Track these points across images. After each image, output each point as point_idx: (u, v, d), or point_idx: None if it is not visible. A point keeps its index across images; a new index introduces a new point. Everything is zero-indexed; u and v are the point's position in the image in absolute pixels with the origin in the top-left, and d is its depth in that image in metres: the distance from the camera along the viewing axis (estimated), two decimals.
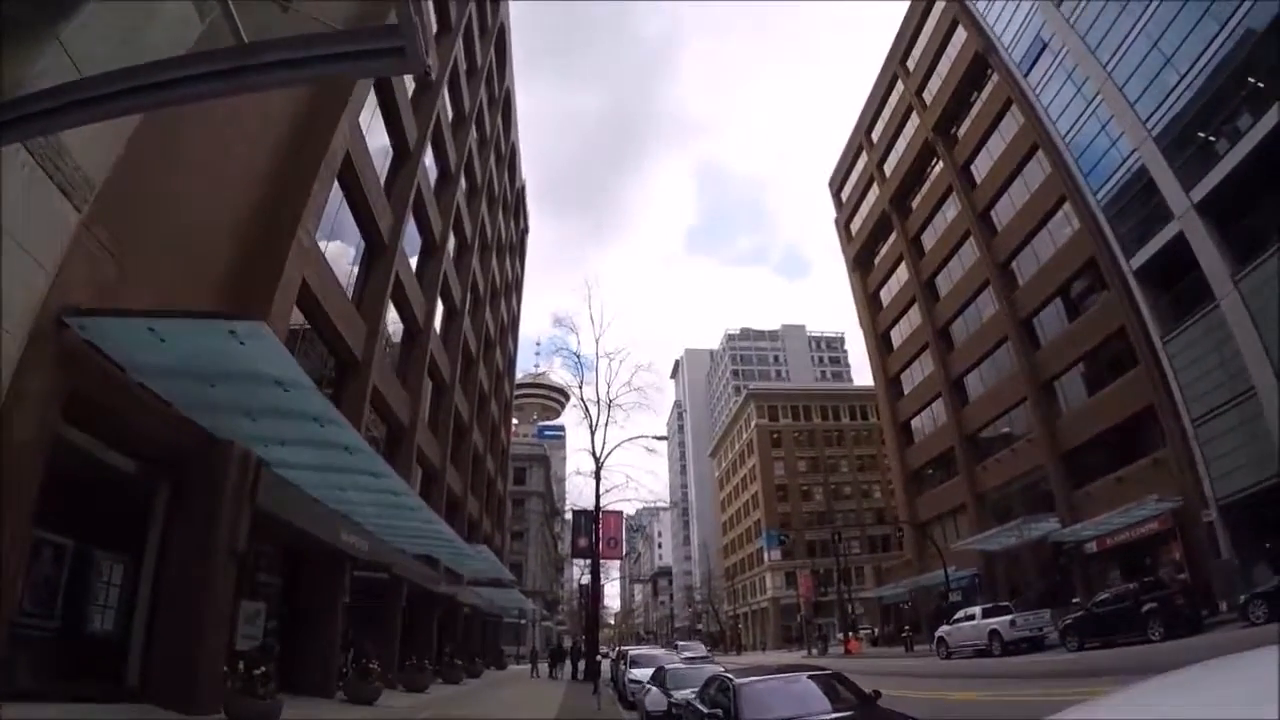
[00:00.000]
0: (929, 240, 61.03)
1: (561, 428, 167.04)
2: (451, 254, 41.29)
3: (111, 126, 10.50)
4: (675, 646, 47.68)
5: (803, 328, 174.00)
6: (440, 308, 39.15)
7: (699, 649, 43.66)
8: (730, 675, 11.54)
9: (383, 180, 28.13)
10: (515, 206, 69.42)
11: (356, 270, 26.71)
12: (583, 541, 40.57)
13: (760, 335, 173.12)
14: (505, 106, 58.76)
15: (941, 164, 57.40)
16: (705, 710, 11.08)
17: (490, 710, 24.24)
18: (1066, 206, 42.17)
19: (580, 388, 42.62)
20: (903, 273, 65.16)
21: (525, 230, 78.64)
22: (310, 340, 22.55)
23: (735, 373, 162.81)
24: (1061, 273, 43.44)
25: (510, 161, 63.46)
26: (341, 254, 25.00)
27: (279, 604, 21.38)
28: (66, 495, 12.18)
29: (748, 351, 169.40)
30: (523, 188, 74.05)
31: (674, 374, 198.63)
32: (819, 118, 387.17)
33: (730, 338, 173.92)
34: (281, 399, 11.77)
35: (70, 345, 10.42)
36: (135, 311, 10.63)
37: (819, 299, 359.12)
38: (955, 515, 56.57)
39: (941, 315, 58.39)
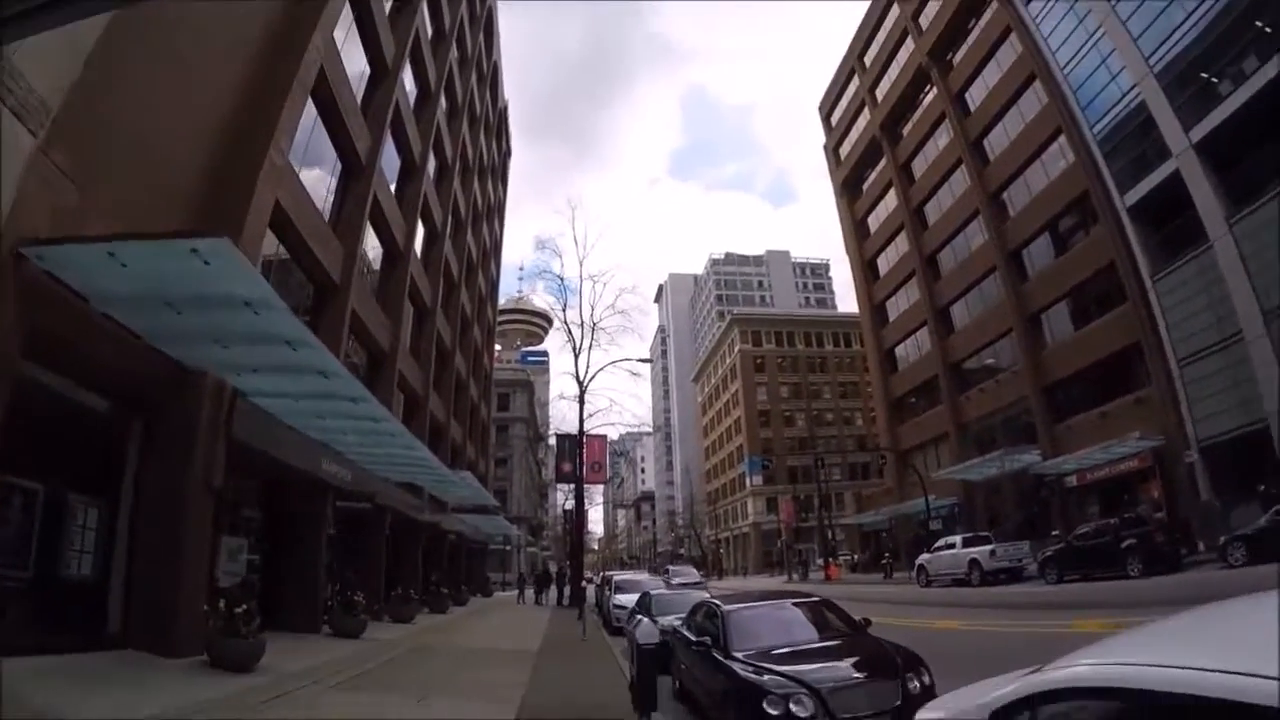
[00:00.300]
0: (919, 167, 60.38)
1: (545, 353, 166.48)
2: (432, 175, 40.50)
3: (67, 46, 10.27)
4: (666, 571, 47.29)
5: (787, 254, 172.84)
6: (421, 230, 38.58)
7: (691, 574, 43.50)
8: (718, 602, 11.38)
9: (360, 99, 27.46)
10: (498, 127, 68.19)
11: (333, 192, 26.06)
12: (566, 466, 40.10)
13: (745, 260, 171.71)
14: (487, 24, 57.47)
15: (935, 91, 56.46)
16: (693, 638, 10.75)
17: (475, 638, 24.24)
18: (1061, 139, 41.68)
19: (564, 311, 41.90)
20: (891, 199, 64.64)
21: (508, 153, 77.36)
22: (289, 270, 22.11)
23: (719, 298, 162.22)
24: (1053, 205, 43.11)
25: (492, 81, 62.29)
26: (317, 176, 24.34)
27: (261, 539, 21.07)
28: (36, 439, 11.87)
29: (732, 277, 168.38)
30: (505, 109, 72.76)
31: (658, 298, 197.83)
32: (809, 42, 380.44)
33: (715, 263, 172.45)
34: (252, 322, 11.29)
35: (29, 278, 9.96)
36: (94, 237, 10.15)
37: (805, 226, 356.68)
38: (937, 444, 57.02)
39: (929, 243, 58.04)
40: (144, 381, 13.75)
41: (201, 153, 15.82)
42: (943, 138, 56.17)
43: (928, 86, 58.06)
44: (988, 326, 49.91)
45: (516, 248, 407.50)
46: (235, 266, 9.75)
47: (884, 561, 53.69)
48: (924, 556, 38.15)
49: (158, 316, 11.61)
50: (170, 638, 13.20)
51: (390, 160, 32.55)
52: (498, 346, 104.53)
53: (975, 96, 51.64)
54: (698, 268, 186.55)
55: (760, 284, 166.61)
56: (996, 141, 49.15)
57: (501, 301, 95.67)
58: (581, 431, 37.97)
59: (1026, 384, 44.48)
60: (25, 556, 11.81)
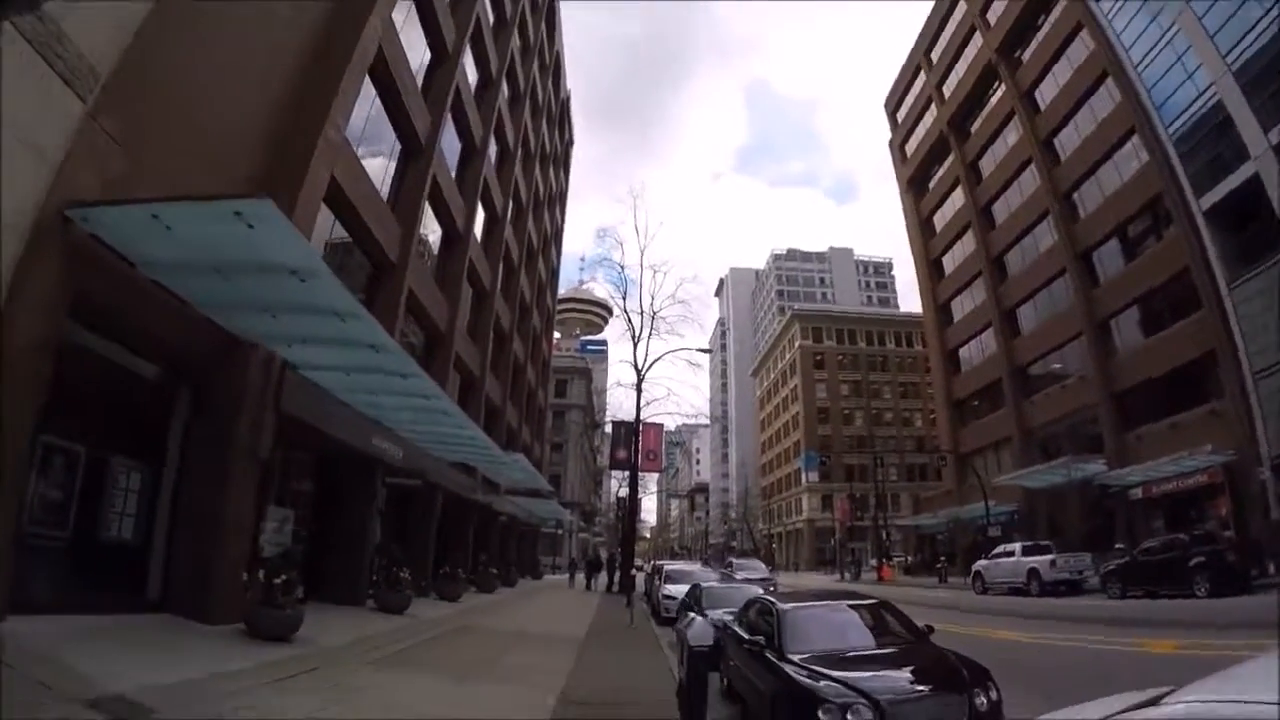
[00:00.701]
0: (987, 166, 58.87)
1: (604, 342, 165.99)
2: (493, 160, 40.50)
3: (115, 14, 10.29)
4: (729, 565, 46.03)
5: (850, 251, 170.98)
6: (481, 214, 38.37)
7: (759, 568, 41.50)
8: (773, 599, 10.79)
9: (420, 82, 27.36)
10: (560, 117, 67.99)
11: (392, 172, 26.00)
12: (621, 453, 39.82)
13: (807, 257, 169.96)
14: (549, 13, 57.15)
15: (1004, 88, 54.98)
16: (745, 636, 10.25)
17: (522, 620, 23.98)
18: (1135, 139, 40.08)
19: (624, 299, 41.59)
20: (958, 198, 63.15)
21: (570, 142, 77.20)
22: (350, 251, 22.26)
23: (780, 293, 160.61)
24: (1126, 207, 41.51)
25: (555, 71, 62.09)
26: (375, 156, 24.31)
27: (310, 511, 21.17)
28: (80, 401, 12.00)
29: (794, 272, 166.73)
30: (567, 98, 72.56)
31: (718, 292, 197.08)
32: (873, 38, 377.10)
33: (777, 258, 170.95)
34: (300, 292, 11.00)
35: (77, 241, 9.94)
36: (137, 199, 9.98)
37: (868, 224, 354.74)
38: (998, 448, 55.64)
39: (997, 243, 56.46)
40: (193, 350, 13.74)
41: (255, 125, 15.79)
42: (1011, 135, 54.63)
43: (996, 84, 56.65)
44: (1055, 330, 48.30)
45: (578, 237, 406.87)
46: (280, 231, 9.49)
47: (939, 566, 52.71)
48: (981, 563, 37.20)
49: (205, 283, 11.47)
50: (208, 604, 13.20)
51: (451, 144, 32.28)
52: (557, 334, 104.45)
53: (1045, 94, 50.19)
54: (759, 262, 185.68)
55: (822, 280, 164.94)
56: (1067, 140, 47.63)
57: (562, 290, 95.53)
58: (638, 419, 37.60)
59: (1094, 391, 42.96)
60: (64, 517, 11.80)
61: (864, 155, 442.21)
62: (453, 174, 32.78)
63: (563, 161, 72.86)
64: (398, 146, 26.10)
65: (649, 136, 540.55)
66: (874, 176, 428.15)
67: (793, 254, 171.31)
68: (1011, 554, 34.32)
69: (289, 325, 12.98)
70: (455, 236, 33.42)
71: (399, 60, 23.79)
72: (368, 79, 21.36)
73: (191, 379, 14.59)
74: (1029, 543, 35.41)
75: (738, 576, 31.82)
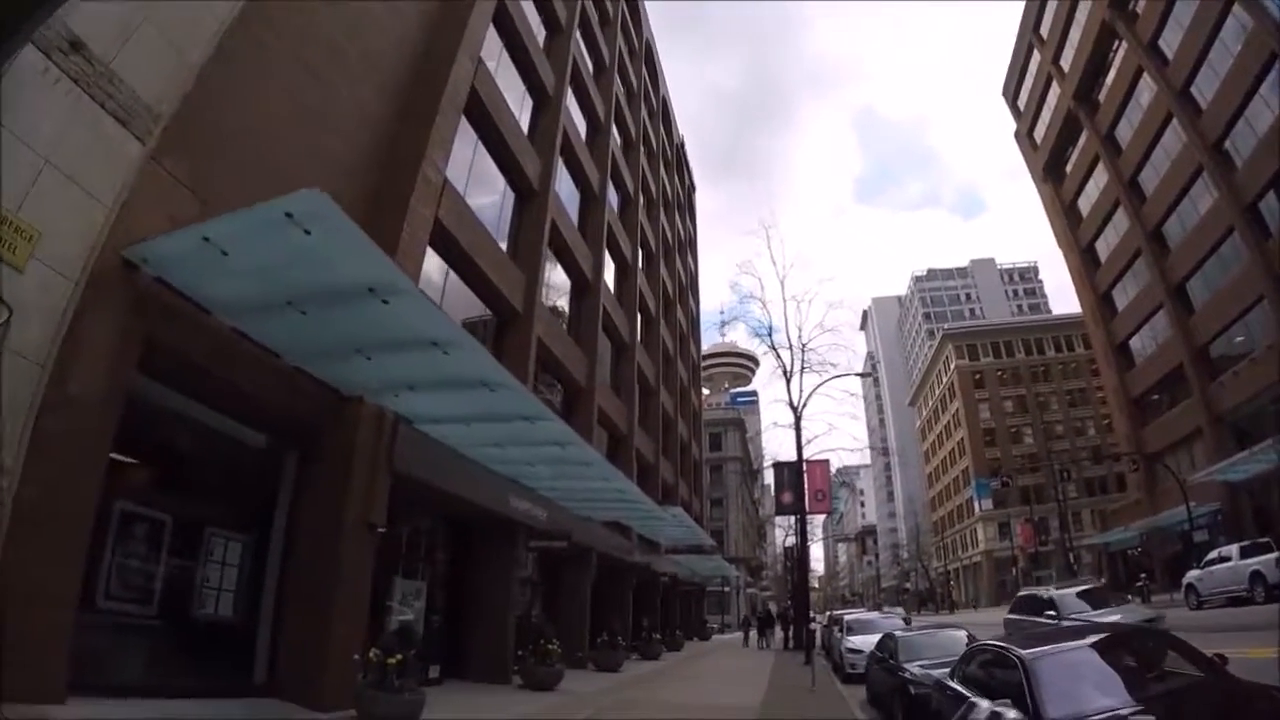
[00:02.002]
0: (1124, 134, 54.44)
1: (754, 393, 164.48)
2: (615, 207, 39.86)
3: (173, 54, 9.93)
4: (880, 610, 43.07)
5: (992, 261, 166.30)
6: (610, 263, 37.67)
7: (897, 613, 39.47)
8: (1009, 645, 8.22)
9: (525, 127, 26.81)
10: (676, 162, 67.11)
11: (508, 220, 25.28)
12: (787, 496, 37.48)
13: (949, 274, 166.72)
14: (649, 60, 56.62)
15: (1124, 45, 51.33)
16: (975, 699, 8.01)
17: (688, 691, 21.59)
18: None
19: (769, 335, 39.85)
20: (1100, 175, 58.81)
21: (691, 188, 76.19)
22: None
23: (927, 315, 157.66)
24: None
25: (664, 116, 61.39)
26: (487, 202, 23.54)
27: (446, 583, 19.74)
28: (170, 467, 11.38)
29: (937, 292, 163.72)
30: (682, 144, 71.57)
31: (863, 325, 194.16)
32: (971, 38, 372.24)
33: (917, 280, 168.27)
34: (387, 319, 9.67)
35: (142, 287, 9.31)
36: (185, 226, 8.99)
37: (1000, 233, 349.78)
38: (1189, 444, 50.51)
39: (1151, 216, 51.72)
40: (295, 409, 12.80)
41: (344, 170, 15.05)
42: (1144, 95, 50.51)
43: (1116, 43, 52.98)
44: (1232, 298, 43.66)
45: (711, 293, 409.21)
46: (342, 233, 8.13)
47: (1139, 584, 48.13)
48: (1193, 574, 33.00)
49: (283, 323, 10.35)
50: (317, 689, 11.96)
51: (568, 190, 31.88)
52: (705, 390, 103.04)
53: (1170, 41, 46.27)
54: (899, 289, 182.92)
55: (968, 296, 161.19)
56: (1205, 85, 43.48)
57: (704, 348, 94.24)
58: (800, 457, 35.30)
59: None
60: (148, 592, 10.82)
61: (983, 163, 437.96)
62: (574, 220, 32.15)
63: (686, 207, 71.83)
64: (509, 193, 25.42)
65: (764, 182, 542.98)
66: (998, 182, 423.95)
67: (933, 274, 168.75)
68: (1228, 558, 30.47)
69: (388, 367, 11.69)
70: (585, 285, 32.63)
71: (496, 101, 23.02)
72: (465, 121, 20.67)
73: (296, 442, 13.60)
74: (1247, 543, 31.68)
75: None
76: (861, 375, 44.46)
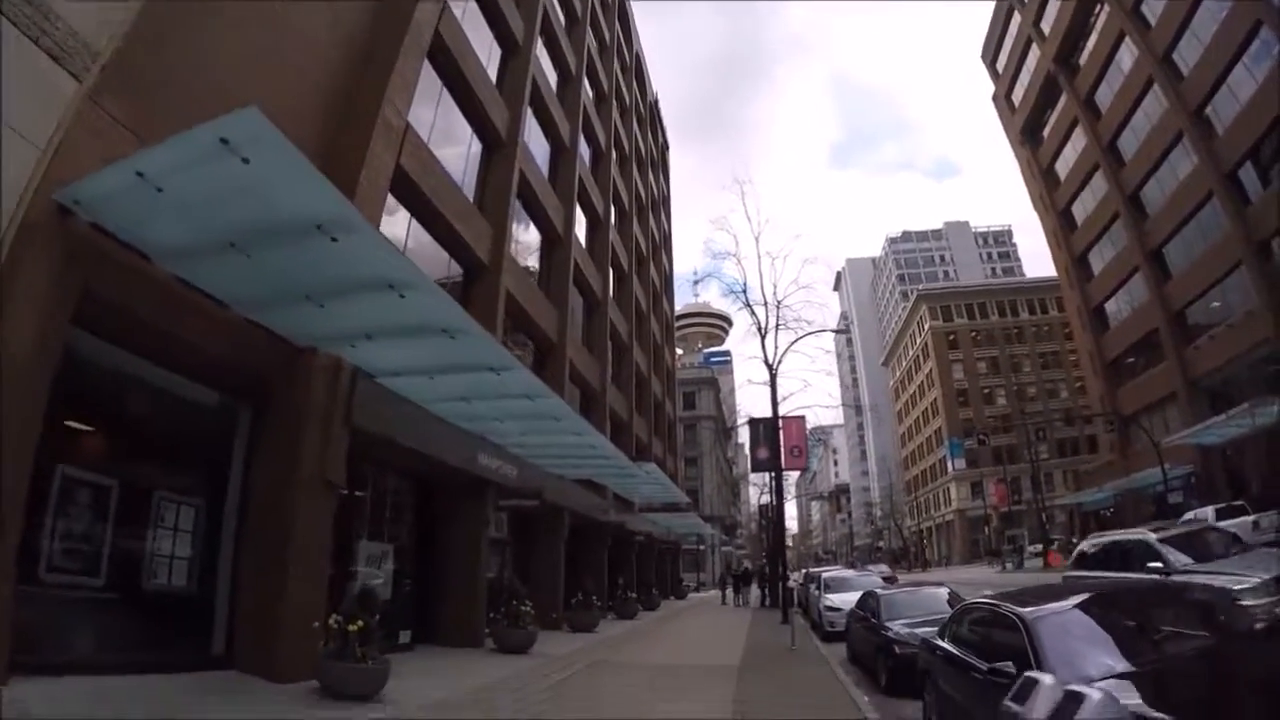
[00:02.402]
0: (1104, 98, 54.01)
1: (727, 353, 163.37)
2: (587, 161, 39.19)
3: None
4: (855, 567, 42.43)
5: (967, 224, 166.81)
6: (582, 218, 37.04)
7: (883, 571, 39.33)
8: (1013, 607, 7.46)
9: (494, 76, 26.01)
10: (650, 120, 66.39)
11: (475, 170, 24.47)
12: (762, 452, 36.57)
13: (923, 236, 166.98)
14: (621, 14, 55.77)
15: (1107, 8, 50.68)
16: (973, 662, 7.68)
17: (664, 650, 21.17)
18: (1264, 32, 35.71)
19: (744, 292, 39.11)
20: (1079, 139, 58.24)
21: (665, 146, 75.52)
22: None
23: (901, 277, 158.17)
24: (1269, 109, 36.14)
25: (637, 72, 60.57)
26: (453, 152, 22.72)
27: (415, 546, 19.11)
28: (115, 428, 10.69)
29: (912, 254, 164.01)
30: (656, 101, 70.70)
31: (836, 286, 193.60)
32: (942, 8, 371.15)
33: (892, 241, 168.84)
34: (335, 258, 9.00)
35: (79, 235, 8.74)
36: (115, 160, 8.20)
37: (976, 197, 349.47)
38: (1164, 407, 50.48)
39: (1130, 180, 51.40)
40: (245, 363, 12.09)
41: (298, 113, 14.09)
42: (1125, 60, 50.10)
43: (1098, 7, 52.44)
44: (1210, 264, 43.48)
45: (686, 254, 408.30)
46: (282, 159, 7.38)
47: None
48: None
49: (226, 268, 9.61)
50: (276, 659, 11.36)
51: (539, 146, 31.18)
52: (679, 350, 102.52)
53: (1154, 6, 45.73)
54: (874, 251, 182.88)
55: (942, 259, 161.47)
56: (1188, 51, 43.07)
57: (678, 308, 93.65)
58: (776, 414, 34.81)
59: (1266, 323, 38.19)
60: (95, 563, 10.04)
61: (960, 127, 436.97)
62: (544, 174, 31.42)
63: (660, 165, 71.14)
64: (477, 143, 24.56)
65: (739, 145, 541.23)
66: (974, 146, 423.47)
67: (908, 235, 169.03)
68: (1203, 520, 30.51)
69: (340, 314, 10.96)
70: (555, 239, 31.97)
71: (462, 47, 22.12)
72: (430, 66, 19.95)
73: (250, 399, 12.91)
74: (1221, 505, 31.49)
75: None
76: (836, 331, 44.11)
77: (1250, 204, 39.22)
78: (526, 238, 29.38)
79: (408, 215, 18.99)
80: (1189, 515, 32.19)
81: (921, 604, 14.57)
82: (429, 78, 20.03)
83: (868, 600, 16.52)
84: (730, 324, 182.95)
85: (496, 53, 27.00)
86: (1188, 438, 42.30)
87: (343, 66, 16.02)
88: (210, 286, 10.34)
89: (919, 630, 11.43)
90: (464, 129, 23.51)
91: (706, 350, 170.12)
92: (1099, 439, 67.50)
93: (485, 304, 21.85)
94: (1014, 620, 7.03)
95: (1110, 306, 57.96)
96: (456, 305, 11.05)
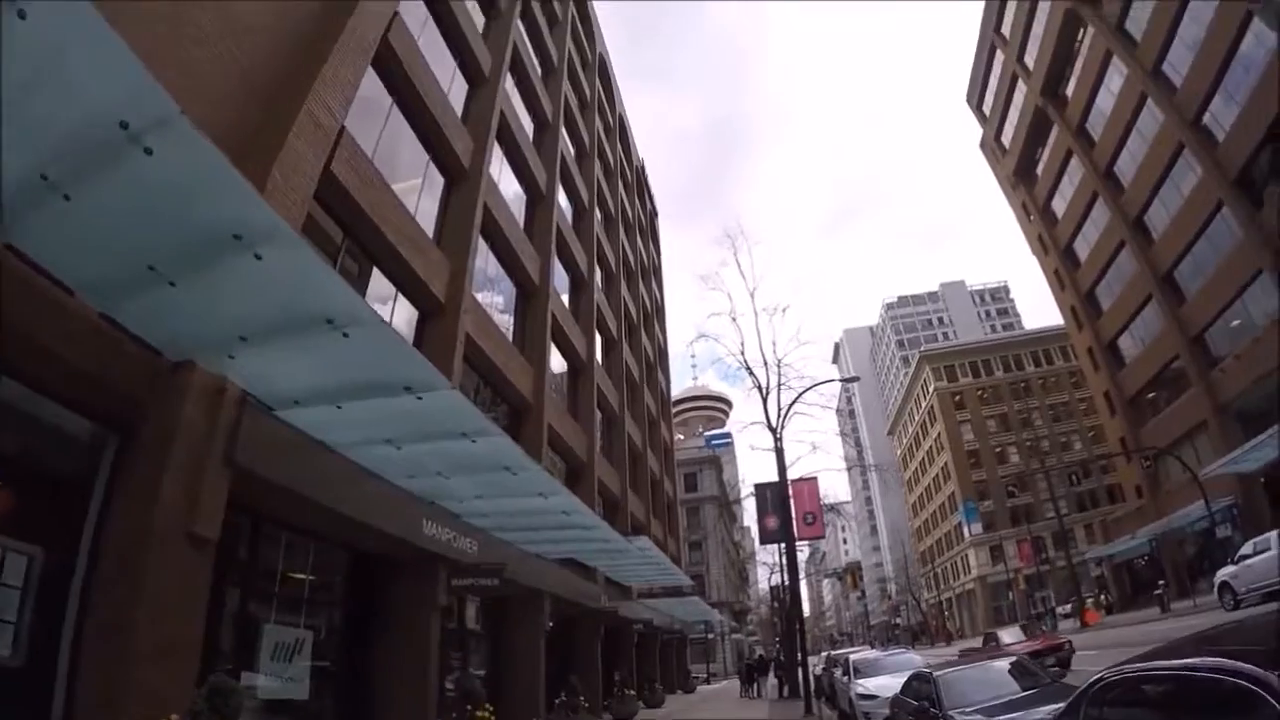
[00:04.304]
0: (1097, 124, 52.48)
1: (729, 434, 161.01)
2: (568, 215, 37.32)
3: None
4: (873, 647, 38.65)
5: (963, 283, 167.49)
6: (563, 273, 35.58)
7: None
8: (1202, 664, 4.55)
9: (459, 109, 24.19)
10: (637, 184, 64.98)
11: (439, 204, 22.41)
12: (772, 521, 33.51)
13: (919, 300, 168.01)
14: (603, 74, 55.26)
15: (1091, 31, 49.38)
16: None
17: None
18: (1255, 24, 33.73)
19: (742, 353, 36.03)
20: (1075, 171, 56.56)
21: (654, 213, 74.58)
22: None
23: (900, 343, 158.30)
24: (1270, 108, 33.78)
25: (621, 134, 59.75)
26: (407, 182, 20.33)
27: (345, 633, 15.51)
28: None
29: (909, 318, 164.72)
30: (642, 167, 69.65)
31: (835, 358, 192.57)
32: (931, 62, 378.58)
33: (888, 307, 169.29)
34: (181, 214, 6.68)
35: None
36: None
37: (964, 261, 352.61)
38: (1192, 439, 47.29)
39: (1133, 204, 49.19)
40: (109, 378, 9.22)
41: (213, 95, 12.08)
42: (1115, 80, 48.52)
43: (1081, 31, 51.22)
44: (1227, 277, 40.91)
45: (681, 336, 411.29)
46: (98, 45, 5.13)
47: (1158, 592, 44.32)
48: (1227, 570, 29.41)
49: (51, 219, 6.93)
50: None
51: (512, 191, 29.53)
52: (680, 435, 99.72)
53: (1138, 19, 44.21)
54: (870, 319, 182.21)
55: (940, 320, 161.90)
56: (1178, 60, 41.32)
57: (677, 392, 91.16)
58: (784, 477, 31.50)
59: None
60: None
61: (949, 191, 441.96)
62: (518, 219, 29.86)
63: (649, 233, 70.02)
64: (437, 176, 22.38)
65: (730, 225, 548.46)
66: (960, 214, 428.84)
67: (904, 300, 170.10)
68: (1266, 549, 27.07)
69: (203, 306, 8.29)
70: (531, 288, 29.53)
71: (415, 64, 20.33)
72: (379, 80, 18.61)
73: (118, 425, 9.80)
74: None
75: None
76: (845, 381, 41.20)
77: (1263, 207, 36.65)
78: (496, 288, 26.97)
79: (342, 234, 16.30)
80: (1246, 547, 29.31)
81: (993, 682, 11.09)
82: (378, 94, 18.42)
83: (917, 683, 12.81)
84: (730, 406, 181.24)
85: (461, 84, 25.15)
86: (1225, 466, 38.92)
87: (280, 60, 14.04)
88: (40, 255, 7.65)
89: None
90: (418, 154, 21.21)
91: (708, 433, 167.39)
92: (1123, 488, 64.23)
93: (440, 344, 19.17)
94: (1248, 691, 3.89)
95: (1124, 342, 55.56)
96: (352, 291, 8.01)
